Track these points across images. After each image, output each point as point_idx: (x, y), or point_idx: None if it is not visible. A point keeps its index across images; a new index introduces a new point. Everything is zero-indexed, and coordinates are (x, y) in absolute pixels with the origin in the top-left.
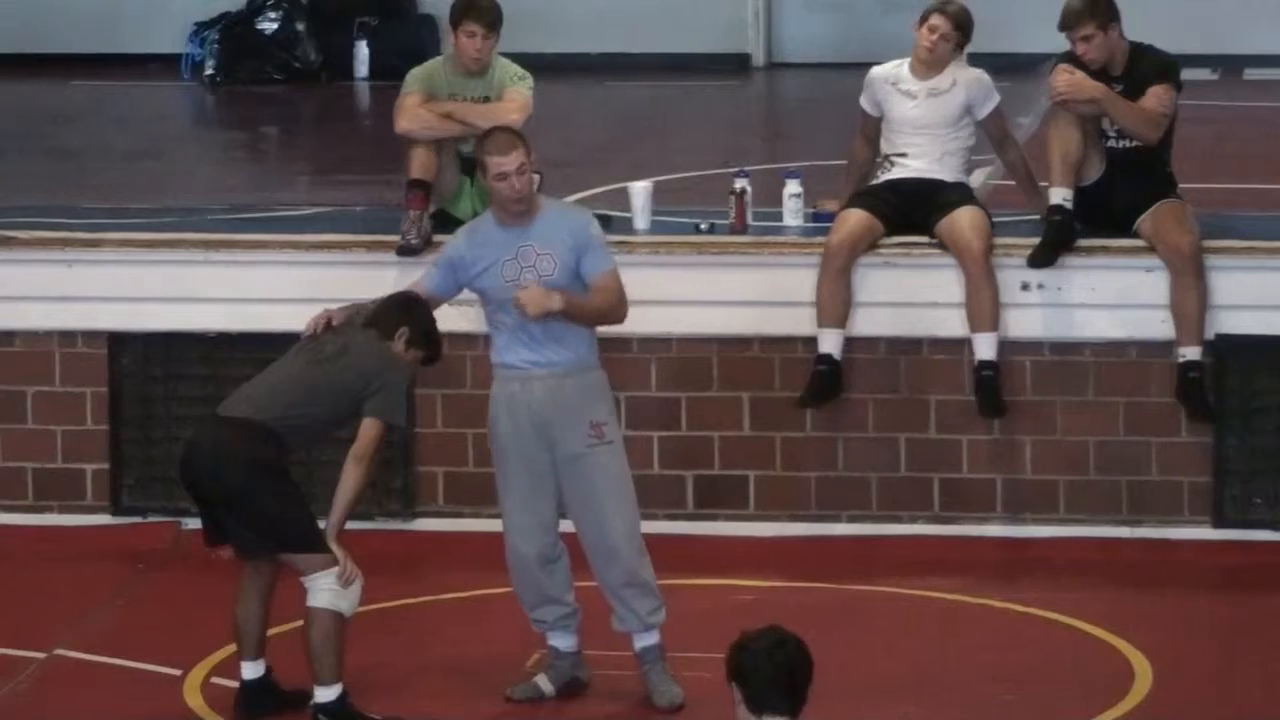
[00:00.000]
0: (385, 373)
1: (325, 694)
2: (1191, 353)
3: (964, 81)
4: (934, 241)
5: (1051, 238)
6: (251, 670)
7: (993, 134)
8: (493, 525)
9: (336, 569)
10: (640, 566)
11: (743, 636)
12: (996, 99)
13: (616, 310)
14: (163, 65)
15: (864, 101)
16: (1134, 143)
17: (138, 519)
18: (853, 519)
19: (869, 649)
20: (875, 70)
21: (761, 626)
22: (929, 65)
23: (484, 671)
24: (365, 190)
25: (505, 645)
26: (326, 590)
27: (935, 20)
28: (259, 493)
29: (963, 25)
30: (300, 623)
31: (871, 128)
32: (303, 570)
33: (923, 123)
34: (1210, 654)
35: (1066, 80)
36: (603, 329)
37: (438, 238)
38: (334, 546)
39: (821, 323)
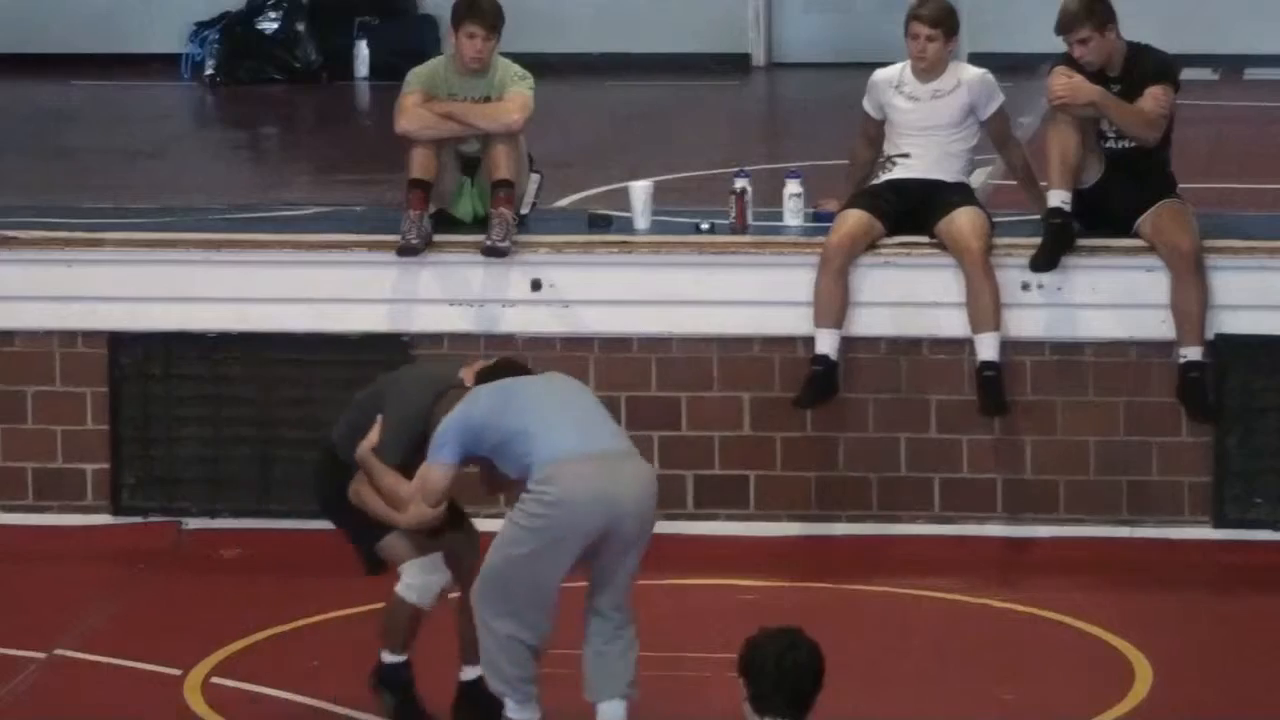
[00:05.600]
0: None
1: (387, 657)
2: (1192, 353)
3: (967, 81)
4: (934, 241)
5: (1051, 241)
6: (469, 673)
7: (995, 134)
8: (492, 525)
9: (419, 560)
10: (485, 618)
11: (759, 633)
12: (1000, 99)
13: (394, 505)
14: (163, 65)
15: (866, 104)
16: (1133, 143)
17: (138, 519)
18: (853, 519)
19: (869, 649)
20: (878, 73)
21: (780, 626)
22: (929, 70)
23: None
24: (365, 190)
25: None
26: (402, 582)
27: (915, 28)
28: (340, 517)
29: (941, 20)
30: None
31: (873, 129)
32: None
33: (926, 124)
34: (1210, 654)
35: (1064, 84)
36: (602, 329)
37: (438, 237)
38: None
39: (818, 323)
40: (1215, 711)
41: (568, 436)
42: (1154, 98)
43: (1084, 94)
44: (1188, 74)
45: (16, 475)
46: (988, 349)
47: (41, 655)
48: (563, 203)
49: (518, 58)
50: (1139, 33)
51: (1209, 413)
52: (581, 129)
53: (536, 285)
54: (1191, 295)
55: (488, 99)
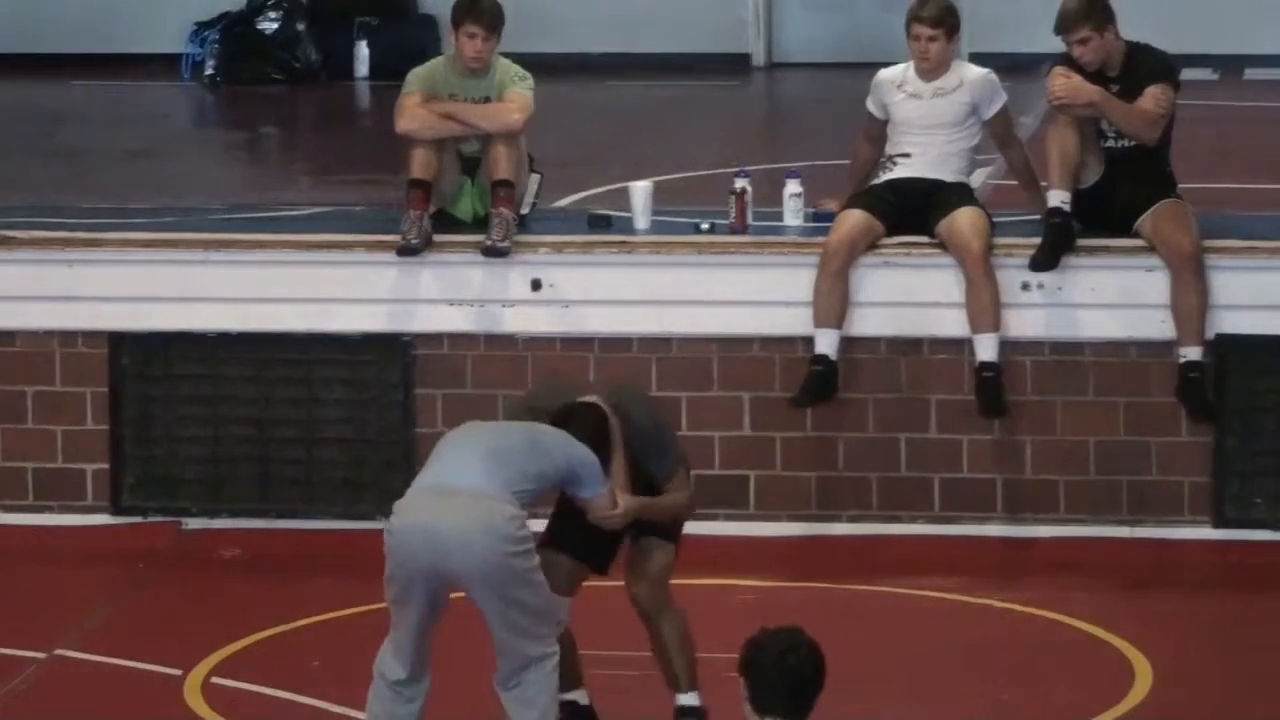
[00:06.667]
0: None
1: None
2: (1192, 352)
3: (970, 81)
4: (934, 241)
5: (1051, 241)
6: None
7: (998, 133)
8: None
9: None
10: None
11: (760, 633)
12: (1003, 98)
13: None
14: (163, 65)
15: (870, 104)
16: (1133, 143)
17: (138, 519)
18: (853, 519)
19: (869, 649)
20: (882, 73)
21: (781, 626)
22: (933, 70)
23: (486, 673)
24: (365, 190)
25: None
26: None
27: (917, 30)
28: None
29: (942, 20)
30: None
31: (876, 129)
32: None
33: (928, 123)
34: (1210, 654)
35: (1063, 84)
36: (602, 329)
37: (438, 237)
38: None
39: (818, 323)
40: (1215, 711)
41: (426, 473)
42: (1153, 98)
43: (1083, 94)
44: (1187, 74)
45: (17, 475)
46: (986, 350)
47: (42, 655)
48: (563, 203)
49: (518, 58)
50: (1138, 32)
51: (1209, 413)
52: (581, 129)
53: (536, 285)
54: (1191, 295)
55: (488, 99)
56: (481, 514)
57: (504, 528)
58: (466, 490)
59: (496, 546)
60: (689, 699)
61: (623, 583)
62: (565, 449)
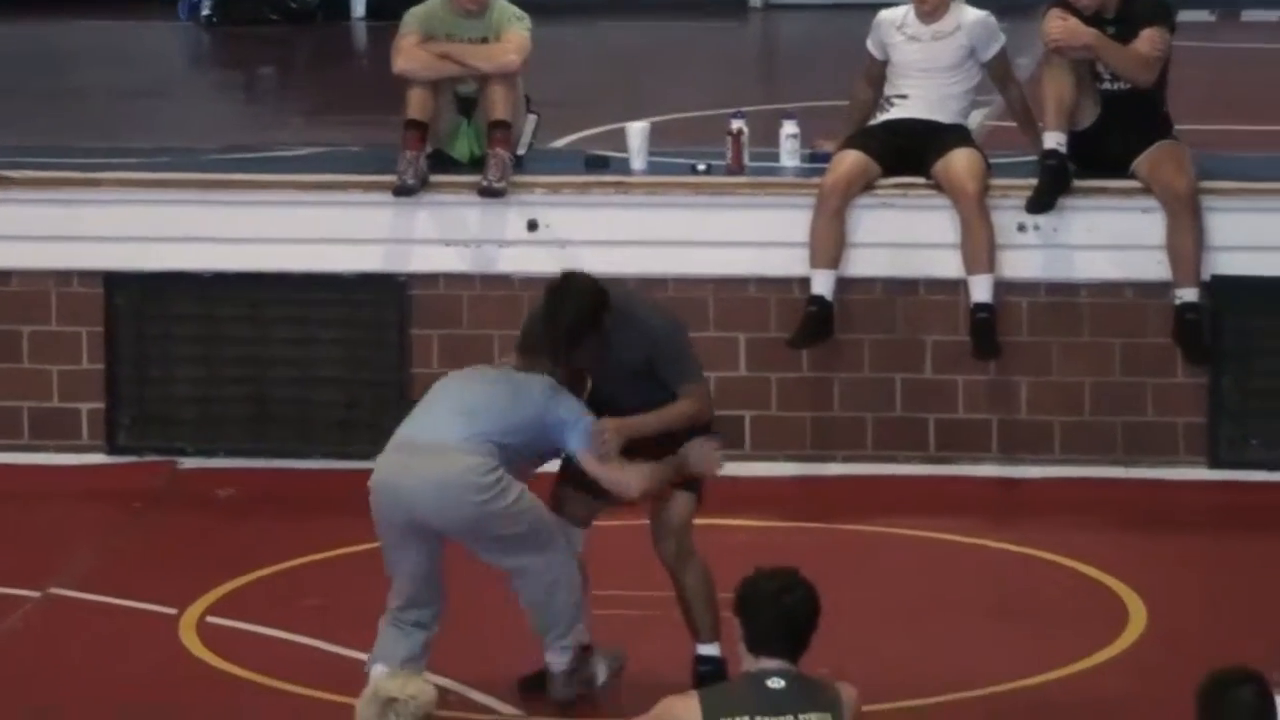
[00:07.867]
0: None
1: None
2: (1188, 294)
3: (967, 25)
4: (930, 182)
5: (1047, 182)
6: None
7: (996, 75)
8: None
9: None
10: None
11: (755, 573)
12: (1001, 41)
13: None
14: (160, 5)
15: (870, 44)
16: (1129, 85)
17: (133, 458)
18: (848, 459)
19: (863, 589)
20: (883, 14)
21: (776, 566)
22: (932, 14)
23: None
24: (362, 131)
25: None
26: None
27: None
28: None
29: None
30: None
31: (875, 70)
32: None
33: (925, 65)
34: (1204, 594)
35: (1059, 27)
36: (598, 270)
37: (434, 178)
38: None
39: (814, 264)
40: (1209, 651)
41: (404, 424)
42: (1149, 40)
43: (1079, 37)
44: (1185, 16)
45: (12, 414)
46: (981, 291)
47: (36, 594)
48: (559, 143)
49: None
50: None
51: (1204, 354)
52: (578, 70)
53: (533, 225)
54: (1187, 236)
55: (485, 40)
56: (443, 469)
57: (466, 476)
58: (428, 445)
59: (464, 497)
60: (709, 649)
61: (637, 520)
62: (551, 395)
